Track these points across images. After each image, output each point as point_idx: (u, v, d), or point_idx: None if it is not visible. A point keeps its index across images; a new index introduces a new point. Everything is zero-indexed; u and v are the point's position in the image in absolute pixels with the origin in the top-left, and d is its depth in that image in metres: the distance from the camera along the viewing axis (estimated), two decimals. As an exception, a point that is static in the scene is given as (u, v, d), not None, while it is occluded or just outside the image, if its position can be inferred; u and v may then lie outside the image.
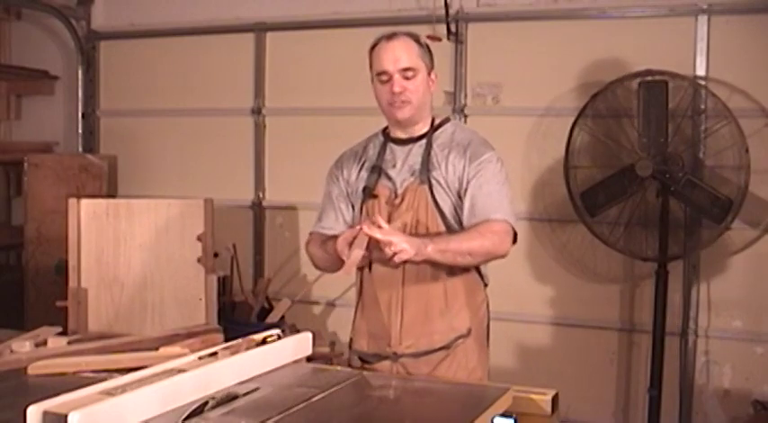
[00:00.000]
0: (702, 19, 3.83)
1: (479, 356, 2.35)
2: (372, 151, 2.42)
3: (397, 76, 2.27)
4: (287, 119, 4.69)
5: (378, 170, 2.36)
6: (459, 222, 2.29)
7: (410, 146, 2.36)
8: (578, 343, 4.11)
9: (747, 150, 3.58)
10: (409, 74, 2.28)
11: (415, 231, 2.26)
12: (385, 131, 2.45)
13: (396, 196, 2.31)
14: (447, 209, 2.29)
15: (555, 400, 2.01)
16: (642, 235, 3.75)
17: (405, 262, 2.13)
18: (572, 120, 3.81)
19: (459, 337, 2.30)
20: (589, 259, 4.03)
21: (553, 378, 3.33)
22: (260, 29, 4.70)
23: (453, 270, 2.29)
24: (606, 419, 4.08)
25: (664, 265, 3.70)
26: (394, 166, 2.35)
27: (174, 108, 4.93)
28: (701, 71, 3.82)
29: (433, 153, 2.32)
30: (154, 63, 4.99)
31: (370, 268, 2.33)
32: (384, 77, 2.29)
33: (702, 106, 3.73)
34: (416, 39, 2.34)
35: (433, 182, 2.29)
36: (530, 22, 4.17)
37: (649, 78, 3.60)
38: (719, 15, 3.82)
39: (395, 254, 2.05)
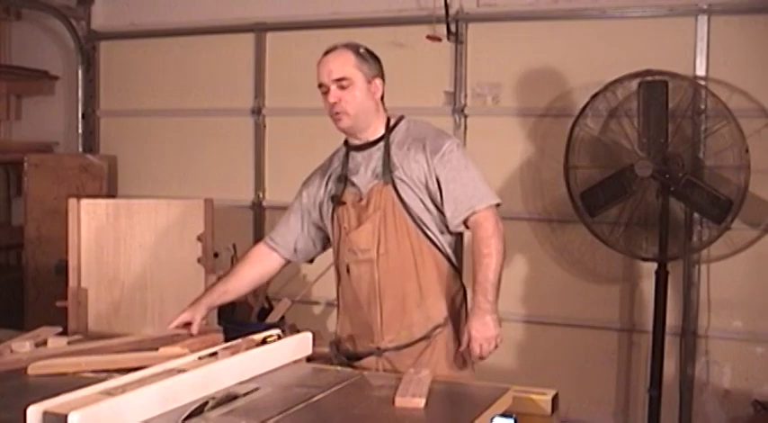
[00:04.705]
0: (702, 19, 3.83)
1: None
2: (337, 163, 2.50)
3: (333, 88, 2.35)
4: (287, 119, 4.69)
5: (343, 179, 2.43)
6: (429, 215, 2.36)
7: (369, 150, 2.43)
8: (578, 343, 4.11)
9: (747, 150, 3.58)
10: (344, 83, 2.35)
11: (384, 230, 2.33)
12: (346, 142, 2.52)
13: (361, 199, 2.38)
14: (414, 205, 2.35)
15: (555, 400, 2.01)
16: (642, 235, 3.75)
17: None
18: (572, 120, 3.82)
19: (437, 327, 2.37)
20: (589, 259, 4.03)
21: (553, 378, 3.32)
22: (260, 29, 4.70)
23: (425, 264, 2.36)
24: (606, 419, 4.08)
25: (664, 265, 3.70)
26: (358, 172, 2.42)
27: (173, 108, 4.92)
28: (701, 71, 3.82)
29: (392, 153, 2.38)
30: (154, 63, 4.99)
31: (348, 270, 2.40)
32: (323, 89, 2.38)
33: (702, 106, 3.73)
34: (355, 49, 2.40)
35: (397, 181, 2.35)
36: (530, 22, 4.17)
37: (649, 78, 3.60)
38: (719, 15, 3.82)
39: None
